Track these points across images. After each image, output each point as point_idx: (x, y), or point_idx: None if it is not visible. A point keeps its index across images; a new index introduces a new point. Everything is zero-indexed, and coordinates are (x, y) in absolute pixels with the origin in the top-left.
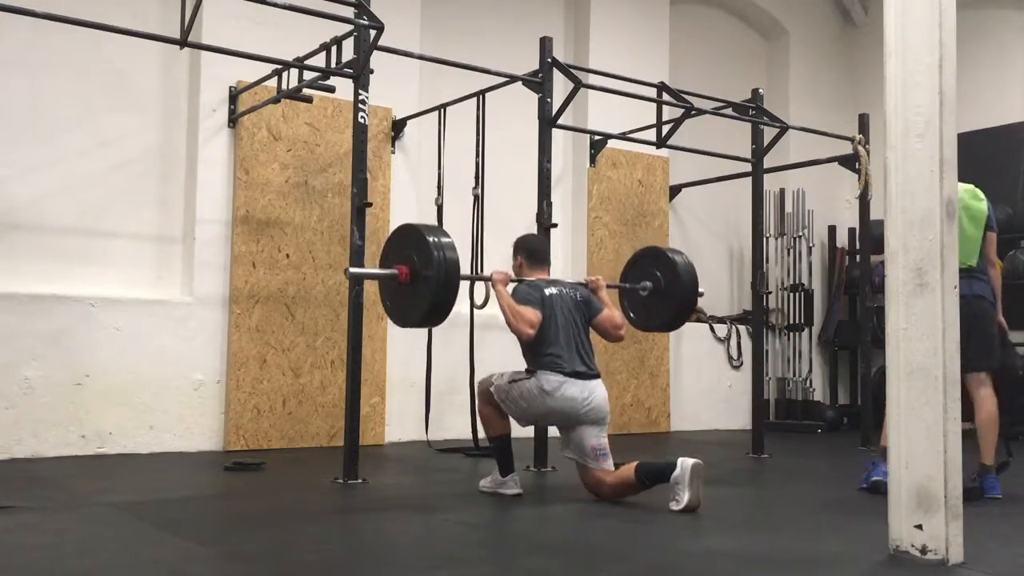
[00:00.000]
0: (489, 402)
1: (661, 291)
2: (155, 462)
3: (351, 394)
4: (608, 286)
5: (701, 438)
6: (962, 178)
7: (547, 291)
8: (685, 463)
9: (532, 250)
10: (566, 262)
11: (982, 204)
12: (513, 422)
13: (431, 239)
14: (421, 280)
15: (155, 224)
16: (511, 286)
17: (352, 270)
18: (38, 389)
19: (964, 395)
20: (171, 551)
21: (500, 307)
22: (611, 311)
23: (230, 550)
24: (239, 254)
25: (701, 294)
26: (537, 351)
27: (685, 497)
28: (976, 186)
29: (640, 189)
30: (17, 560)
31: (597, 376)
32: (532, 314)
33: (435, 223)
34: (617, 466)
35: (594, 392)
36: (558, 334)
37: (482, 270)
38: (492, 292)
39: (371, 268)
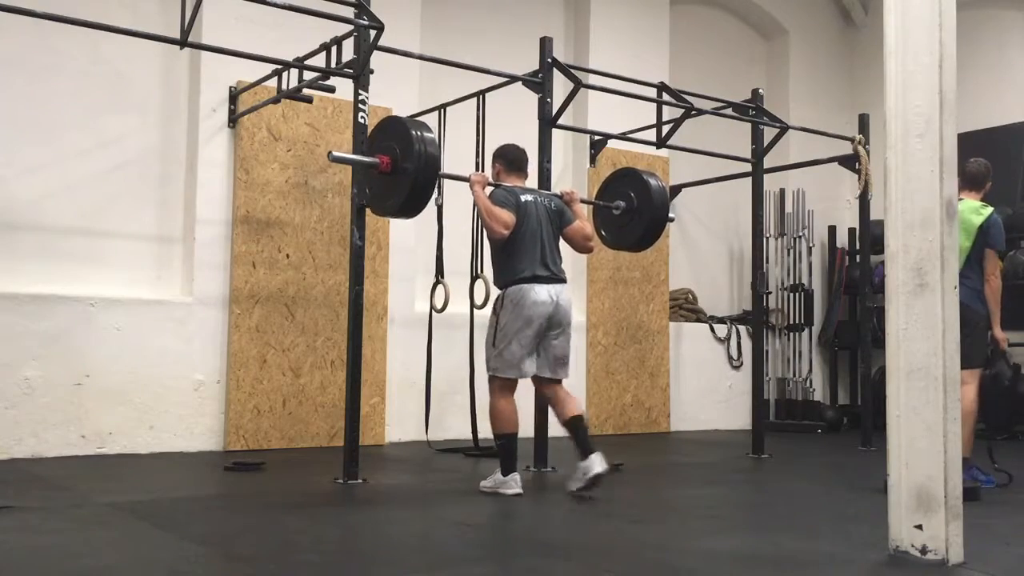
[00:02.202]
0: (500, 395)
1: (633, 210)
2: (155, 462)
3: (351, 394)
4: (582, 202)
5: (701, 438)
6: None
7: (523, 197)
8: (593, 464)
9: (510, 158)
10: (566, 262)
11: (978, 219)
12: (517, 423)
13: (414, 132)
14: (400, 171)
15: (155, 224)
16: (488, 189)
17: (336, 154)
18: (38, 389)
19: None
20: (171, 551)
21: (477, 208)
22: (583, 223)
23: (230, 550)
24: (239, 254)
25: (671, 219)
26: (506, 258)
27: (575, 487)
28: (989, 204)
29: None
30: (17, 560)
31: (561, 281)
32: (507, 216)
33: (434, 223)
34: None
35: (559, 294)
36: (528, 241)
37: (482, 270)
38: (490, 286)
39: (355, 155)
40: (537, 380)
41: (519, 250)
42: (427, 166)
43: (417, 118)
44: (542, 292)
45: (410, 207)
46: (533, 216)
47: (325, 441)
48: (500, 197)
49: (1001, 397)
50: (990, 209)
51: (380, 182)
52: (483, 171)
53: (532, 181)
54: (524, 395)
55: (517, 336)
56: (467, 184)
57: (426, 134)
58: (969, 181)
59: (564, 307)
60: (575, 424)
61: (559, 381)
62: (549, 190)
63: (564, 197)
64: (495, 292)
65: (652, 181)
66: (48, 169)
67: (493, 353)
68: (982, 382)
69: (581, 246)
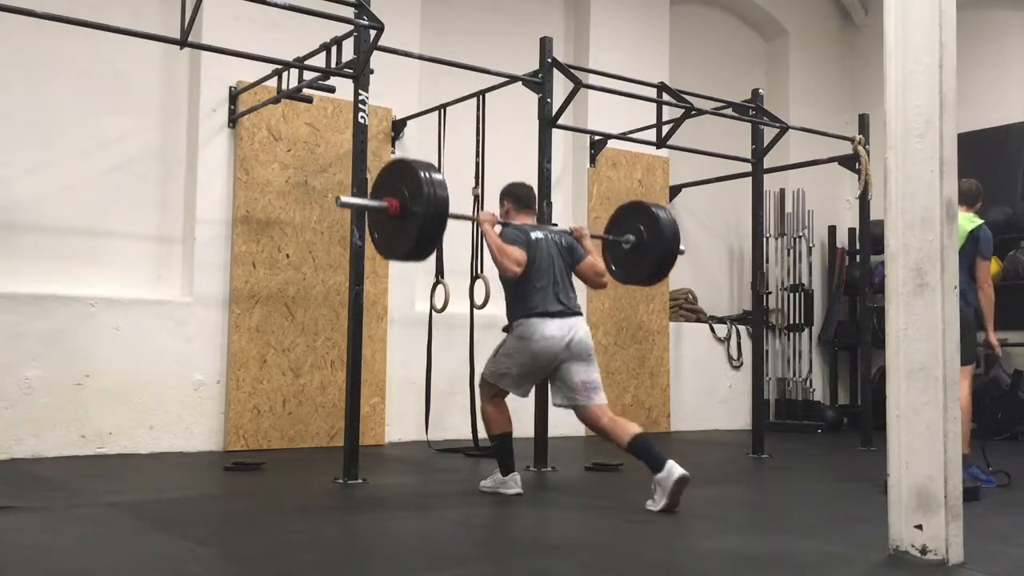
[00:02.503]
0: (490, 399)
1: (643, 245)
2: (155, 462)
3: (351, 394)
4: (592, 237)
5: (701, 438)
6: (962, 177)
7: (533, 235)
8: (674, 471)
9: (519, 196)
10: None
11: (970, 225)
12: (510, 422)
13: (423, 174)
14: (409, 214)
15: (155, 224)
16: (498, 228)
17: (343, 199)
18: (38, 389)
19: None
20: (171, 551)
21: (487, 246)
22: (594, 258)
23: (230, 550)
24: (239, 254)
25: (682, 251)
26: (519, 295)
27: (662, 502)
28: (979, 217)
29: (640, 189)
30: (17, 560)
31: (576, 314)
32: (519, 253)
33: None
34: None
35: (574, 328)
36: (540, 276)
37: (482, 270)
38: (490, 287)
39: (363, 199)
40: (576, 412)
41: (531, 287)
42: (436, 209)
43: (416, 118)
44: (553, 326)
45: (421, 251)
46: (544, 252)
47: (325, 441)
48: (511, 235)
49: (1000, 401)
50: (981, 221)
51: (388, 226)
52: (483, 183)
53: (532, 181)
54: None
55: (518, 366)
56: (469, 188)
57: (434, 175)
58: (962, 197)
59: (582, 339)
60: (638, 444)
61: (602, 407)
62: (549, 194)
63: (574, 233)
64: (495, 292)
65: (662, 214)
66: (48, 169)
67: (491, 363)
68: (973, 379)
69: (594, 281)
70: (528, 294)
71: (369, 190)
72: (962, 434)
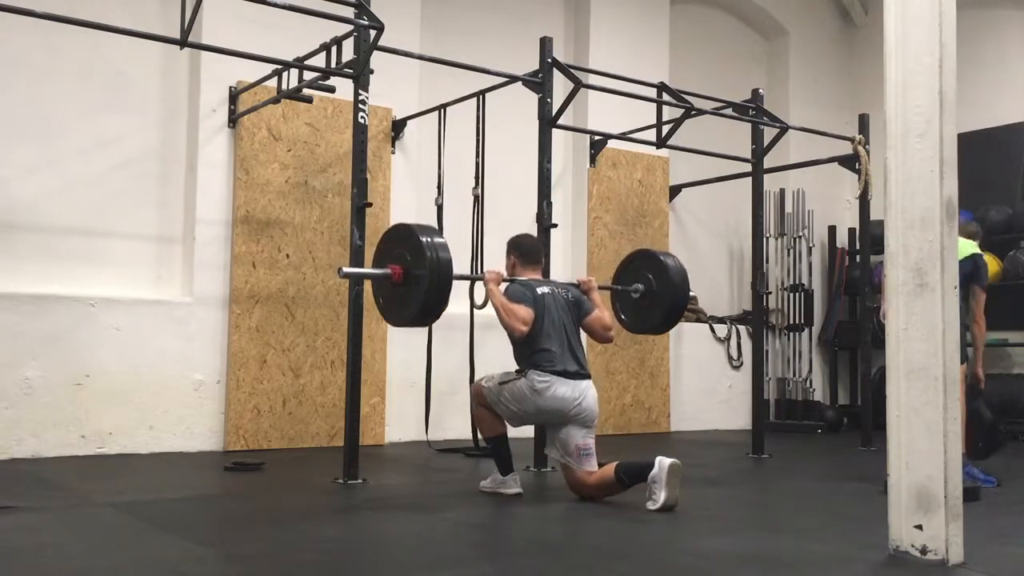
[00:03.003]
0: (482, 403)
1: (652, 293)
2: (155, 462)
3: (351, 394)
4: (600, 287)
5: (701, 438)
6: (962, 177)
7: (539, 290)
8: (663, 462)
9: (525, 250)
10: (566, 262)
11: (969, 247)
12: (504, 423)
13: (424, 239)
14: (413, 280)
15: (155, 224)
16: (504, 285)
17: (345, 270)
18: (38, 389)
19: None
20: (171, 551)
21: (493, 306)
22: (601, 312)
23: (230, 550)
24: (239, 254)
25: (693, 298)
26: (528, 350)
27: (662, 496)
28: (976, 240)
29: (640, 189)
30: (17, 560)
31: (588, 376)
32: (525, 312)
33: (434, 223)
34: (600, 465)
35: (585, 393)
36: (550, 334)
37: (481, 270)
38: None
39: (365, 268)
40: (563, 471)
41: (543, 343)
42: (440, 272)
43: (416, 118)
44: (566, 388)
45: (426, 315)
46: (553, 309)
47: (325, 441)
48: (516, 293)
49: (980, 431)
50: (974, 253)
51: (393, 292)
52: (483, 183)
53: (532, 181)
54: None
55: (520, 410)
56: (468, 190)
57: (436, 239)
58: (964, 233)
59: (590, 407)
60: (623, 470)
61: (587, 473)
62: (549, 194)
63: (581, 286)
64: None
65: (670, 262)
66: (48, 169)
67: (495, 388)
68: (964, 379)
69: (601, 336)
70: (541, 351)
71: (368, 193)
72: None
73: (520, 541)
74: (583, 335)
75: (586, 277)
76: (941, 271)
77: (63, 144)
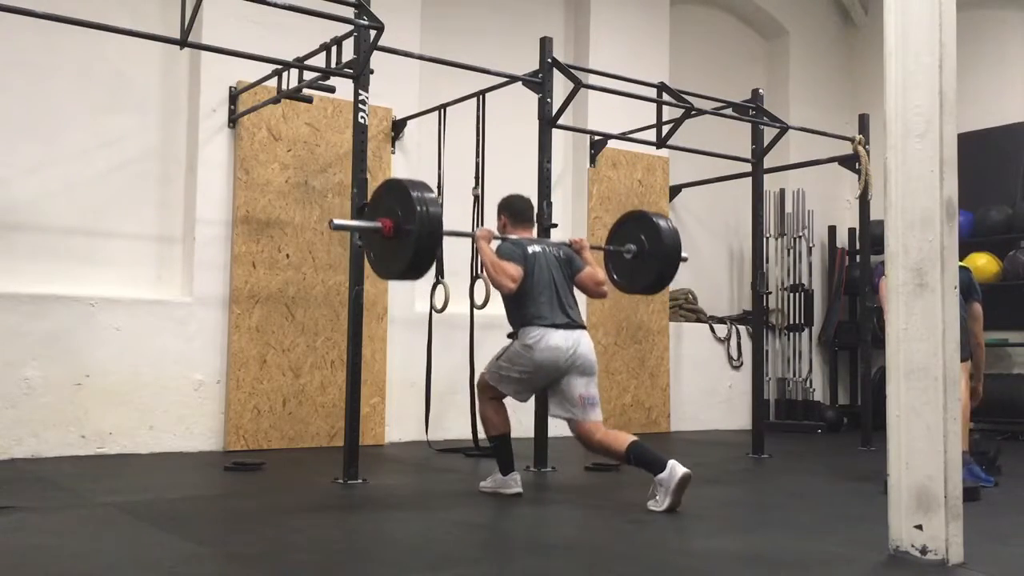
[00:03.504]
0: (488, 400)
1: (645, 254)
2: (155, 462)
3: (351, 394)
4: (592, 248)
5: (701, 438)
6: (962, 177)
7: (530, 249)
8: (676, 469)
9: (516, 210)
10: None
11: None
12: (512, 423)
13: (415, 194)
14: (403, 234)
15: (155, 224)
16: (495, 243)
17: (337, 222)
18: (38, 389)
19: None
20: (171, 551)
21: (482, 263)
22: (594, 268)
23: (230, 550)
24: (239, 254)
25: (685, 259)
26: (519, 307)
27: (666, 502)
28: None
29: (640, 189)
30: (17, 560)
31: (581, 327)
32: (514, 269)
33: None
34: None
35: (579, 342)
36: (540, 291)
37: (482, 270)
38: (490, 287)
39: (357, 221)
40: (570, 426)
41: (533, 299)
42: (430, 227)
43: (416, 118)
44: (558, 337)
45: (415, 269)
46: (543, 266)
47: (325, 441)
48: (507, 250)
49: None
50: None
51: (383, 246)
52: (483, 183)
53: (532, 181)
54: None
55: (521, 372)
56: (468, 189)
57: (427, 195)
58: None
59: (585, 354)
60: (635, 452)
61: (596, 424)
62: (549, 194)
63: (573, 245)
64: (495, 293)
65: (662, 223)
66: (48, 169)
67: (493, 366)
68: (969, 378)
69: (593, 291)
70: (530, 305)
71: (368, 192)
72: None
73: (520, 541)
74: (577, 293)
75: (576, 237)
76: (941, 271)
77: (63, 144)
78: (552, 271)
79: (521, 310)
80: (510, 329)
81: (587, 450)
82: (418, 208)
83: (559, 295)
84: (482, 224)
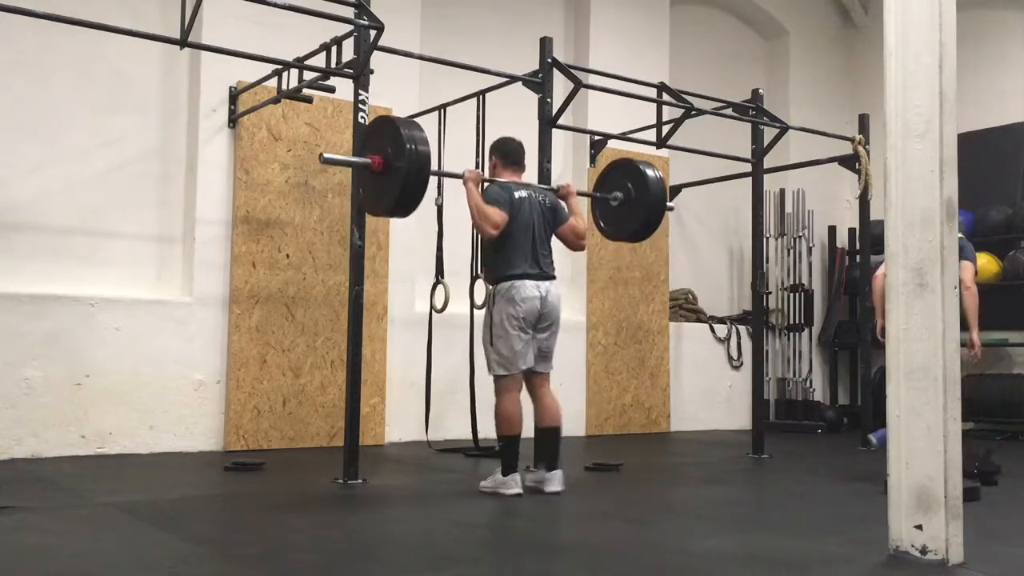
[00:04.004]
0: (506, 394)
1: (631, 201)
2: (155, 462)
3: (351, 394)
4: (579, 194)
5: (701, 438)
6: (962, 177)
7: (517, 194)
8: (553, 481)
9: (507, 152)
10: (566, 262)
11: None
12: (522, 424)
13: (404, 132)
14: (393, 170)
15: (155, 224)
16: (483, 185)
17: (327, 156)
18: (38, 389)
19: None
20: (171, 551)
21: (468, 205)
22: (576, 220)
23: (230, 550)
24: (239, 254)
25: (671, 208)
26: (496, 255)
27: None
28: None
29: None
30: (17, 560)
31: (550, 278)
32: (498, 215)
33: (434, 224)
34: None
35: (548, 290)
36: (518, 238)
37: (482, 271)
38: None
39: (347, 156)
40: (527, 374)
41: (510, 247)
42: (418, 164)
43: (416, 118)
44: (530, 287)
45: (403, 205)
46: (526, 213)
47: (325, 441)
48: (493, 194)
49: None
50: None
51: (373, 182)
52: (482, 170)
53: (532, 181)
54: (523, 396)
55: (514, 329)
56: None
57: (416, 132)
58: None
59: (552, 303)
60: (549, 435)
61: (544, 376)
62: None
63: (560, 191)
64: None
65: (649, 171)
66: (48, 169)
67: (492, 353)
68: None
69: (573, 243)
70: (506, 254)
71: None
72: None
73: (520, 541)
74: (556, 242)
75: (565, 182)
76: (941, 271)
77: (63, 144)
78: (535, 218)
79: (498, 260)
80: (482, 247)
81: (529, 394)
82: (407, 146)
83: (535, 244)
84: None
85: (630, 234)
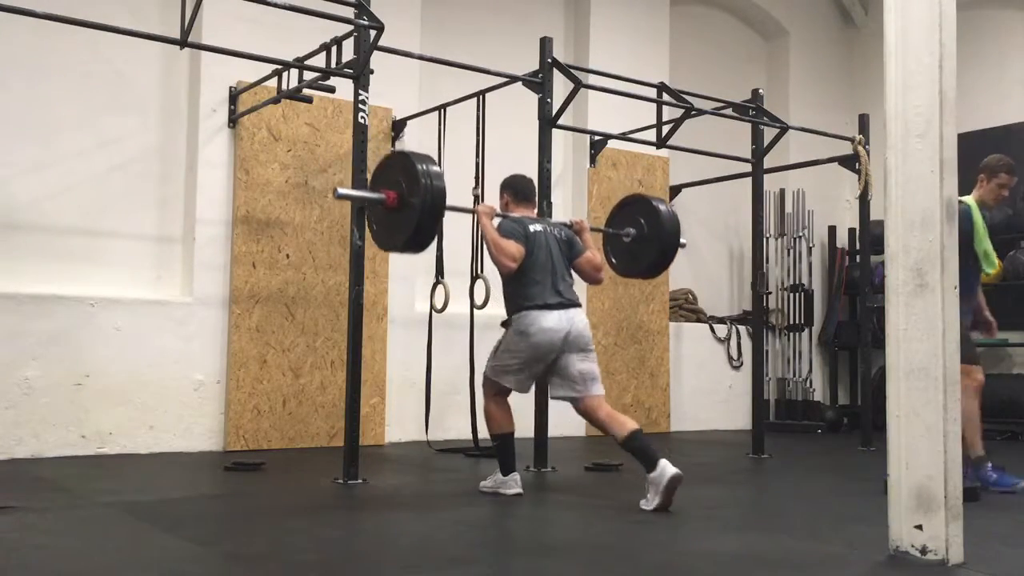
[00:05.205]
0: (492, 397)
1: (644, 238)
2: (155, 462)
3: (351, 394)
4: (592, 230)
5: (701, 438)
6: (962, 177)
7: (531, 227)
8: (667, 469)
9: (518, 188)
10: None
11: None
12: (512, 422)
13: (420, 167)
14: (407, 206)
15: (155, 224)
16: (496, 220)
17: (341, 191)
18: (38, 389)
19: None
20: (171, 551)
21: (484, 240)
22: (592, 253)
23: (230, 550)
24: (239, 254)
25: (683, 245)
26: (515, 288)
27: (655, 501)
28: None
29: (640, 189)
30: (17, 560)
31: (575, 305)
32: (515, 248)
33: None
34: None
35: (572, 320)
36: (537, 271)
37: (482, 270)
38: (490, 287)
39: (361, 191)
40: (573, 404)
41: (529, 279)
42: (433, 200)
43: (416, 118)
44: (551, 318)
45: (417, 242)
46: (543, 246)
47: (325, 441)
48: (508, 228)
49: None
50: (965, 199)
51: (386, 217)
52: (483, 183)
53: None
54: (524, 395)
55: (519, 360)
56: (469, 188)
57: (431, 167)
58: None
59: (580, 331)
60: (634, 441)
61: (598, 399)
62: (549, 194)
63: (574, 227)
64: (495, 292)
65: (662, 207)
66: (48, 169)
67: (493, 361)
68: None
69: (591, 276)
70: (526, 287)
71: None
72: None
73: (520, 541)
74: (575, 276)
75: (577, 218)
76: (941, 271)
77: (63, 144)
78: (551, 251)
79: (517, 291)
80: (505, 318)
81: (592, 423)
82: (423, 180)
83: (555, 275)
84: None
85: (643, 270)
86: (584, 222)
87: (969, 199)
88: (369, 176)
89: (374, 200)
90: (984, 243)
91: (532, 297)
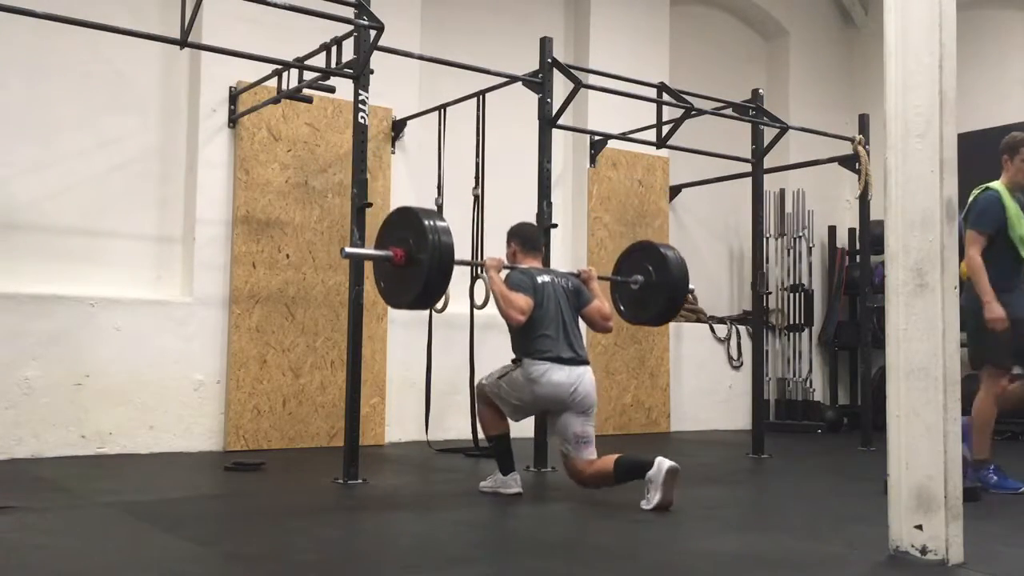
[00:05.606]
0: (486, 402)
1: (652, 285)
2: (155, 462)
3: (351, 394)
4: (600, 278)
5: (701, 438)
6: (962, 177)
7: (539, 279)
8: (662, 464)
9: (525, 238)
10: (566, 262)
11: (974, 192)
12: (511, 421)
13: (427, 223)
14: (415, 263)
15: (155, 224)
16: (504, 272)
17: (348, 250)
18: (38, 389)
19: None
20: (171, 551)
21: (491, 293)
22: (601, 302)
23: (230, 550)
24: (239, 254)
25: (691, 290)
26: (525, 339)
27: (656, 497)
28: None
29: (640, 189)
30: (17, 560)
31: (585, 363)
32: (523, 301)
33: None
34: (600, 455)
35: (581, 378)
36: (547, 323)
37: (482, 271)
38: (491, 289)
39: (368, 249)
40: (562, 458)
41: (540, 332)
42: (442, 256)
43: (416, 118)
44: (562, 374)
45: (426, 299)
46: (552, 297)
47: (325, 441)
48: (516, 280)
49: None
50: (980, 189)
51: (394, 274)
52: (483, 183)
53: (532, 181)
54: None
55: (519, 400)
56: (469, 190)
57: (439, 223)
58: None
59: (587, 393)
60: (621, 466)
61: (584, 461)
62: (549, 194)
63: (581, 276)
64: (487, 279)
65: (670, 254)
66: (48, 169)
67: (493, 383)
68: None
69: (600, 326)
70: (536, 338)
71: (368, 193)
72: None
73: (520, 541)
74: (583, 326)
75: (585, 268)
76: (941, 271)
77: (63, 144)
78: (560, 302)
79: (527, 341)
80: (510, 330)
81: (576, 483)
82: (430, 236)
83: (565, 328)
84: (482, 224)
85: (652, 317)
86: (592, 271)
87: (997, 184)
88: (371, 178)
89: (382, 257)
90: (1020, 228)
91: (546, 349)
